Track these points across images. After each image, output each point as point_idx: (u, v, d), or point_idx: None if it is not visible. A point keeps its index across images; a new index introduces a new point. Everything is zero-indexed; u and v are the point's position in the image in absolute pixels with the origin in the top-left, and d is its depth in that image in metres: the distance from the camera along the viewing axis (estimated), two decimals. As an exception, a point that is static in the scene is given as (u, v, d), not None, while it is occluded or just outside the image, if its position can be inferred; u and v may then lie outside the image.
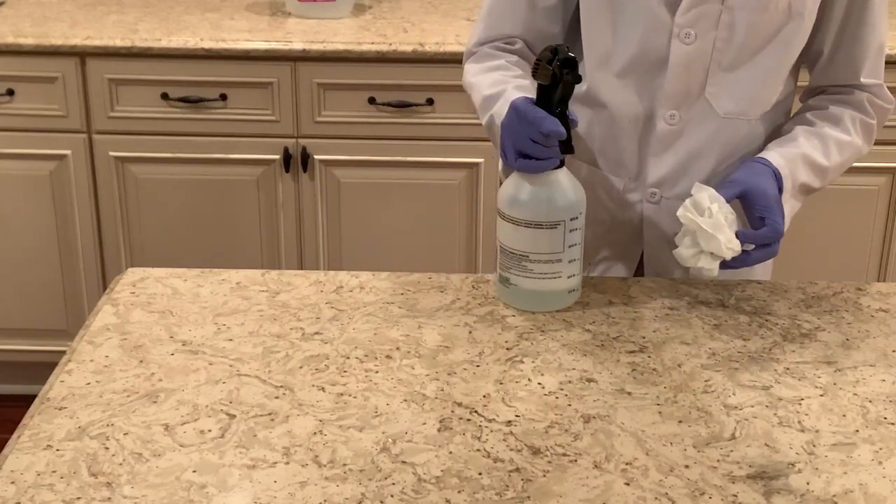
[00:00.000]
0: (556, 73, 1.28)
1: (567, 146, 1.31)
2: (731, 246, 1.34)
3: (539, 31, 1.53)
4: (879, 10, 1.46)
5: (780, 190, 1.42)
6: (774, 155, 1.44)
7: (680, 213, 1.36)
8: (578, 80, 1.29)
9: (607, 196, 1.54)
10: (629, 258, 1.57)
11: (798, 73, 1.54)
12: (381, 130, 2.61)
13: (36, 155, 2.65)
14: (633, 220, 1.54)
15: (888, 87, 1.53)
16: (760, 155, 1.45)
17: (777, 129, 1.53)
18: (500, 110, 1.41)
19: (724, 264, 1.36)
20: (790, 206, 1.45)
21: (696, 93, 1.47)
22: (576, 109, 1.53)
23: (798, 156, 1.45)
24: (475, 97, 1.50)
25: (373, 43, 2.55)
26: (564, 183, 1.34)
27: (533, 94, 1.34)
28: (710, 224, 1.33)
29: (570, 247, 1.35)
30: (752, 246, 1.38)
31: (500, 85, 1.46)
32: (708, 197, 1.36)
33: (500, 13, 1.54)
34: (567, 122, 1.31)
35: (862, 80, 1.49)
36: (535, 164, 1.32)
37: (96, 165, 2.66)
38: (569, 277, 1.38)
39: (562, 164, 1.34)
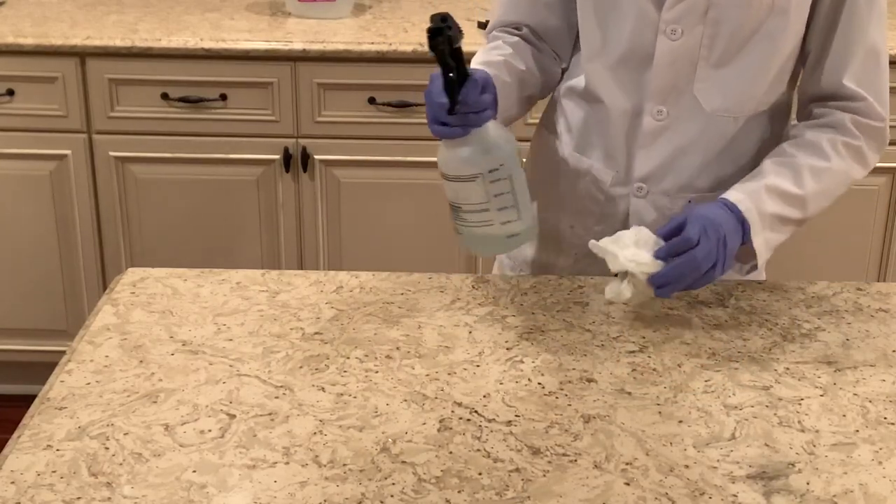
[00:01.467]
0: (432, 46, 1.32)
1: (451, 109, 1.33)
2: (634, 259, 1.32)
3: (540, 22, 1.58)
4: (869, 13, 1.43)
5: (744, 224, 1.39)
6: (732, 191, 1.42)
7: (591, 243, 1.36)
8: (441, 43, 1.32)
9: (596, 188, 1.55)
10: None
11: (796, 78, 1.52)
12: (381, 130, 2.61)
13: (36, 155, 2.65)
14: (620, 214, 1.55)
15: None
16: (721, 196, 1.42)
17: (774, 135, 1.52)
18: None
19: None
20: (764, 238, 1.42)
21: (683, 89, 1.47)
22: (574, 103, 1.55)
23: (761, 188, 1.42)
24: None
25: (373, 43, 2.55)
26: (483, 138, 1.36)
27: (497, 70, 1.46)
28: (611, 242, 1.33)
29: (496, 196, 1.37)
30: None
31: (476, 60, 1.53)
32: (633, 231, 1.36)
33: (507, 3, 1.61)
34: (453, 83, 1.32)
35: (845, 82, 1.44)
36: (449, 131, 1.35)
37: (96, 165, 2.66)
38: (503, 224, 1.39)
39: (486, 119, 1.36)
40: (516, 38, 1.58)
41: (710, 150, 1.49)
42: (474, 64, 1.53)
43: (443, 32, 1.29)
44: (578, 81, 1.55)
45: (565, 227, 1.59)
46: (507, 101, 1.49)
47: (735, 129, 1.48)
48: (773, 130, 1.52)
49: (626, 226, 1.55)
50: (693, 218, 1.36)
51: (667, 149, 1.49)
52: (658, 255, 1.33)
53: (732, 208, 1.40)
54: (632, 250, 1.33)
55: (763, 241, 1.42)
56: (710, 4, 1.41)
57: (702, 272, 1.34)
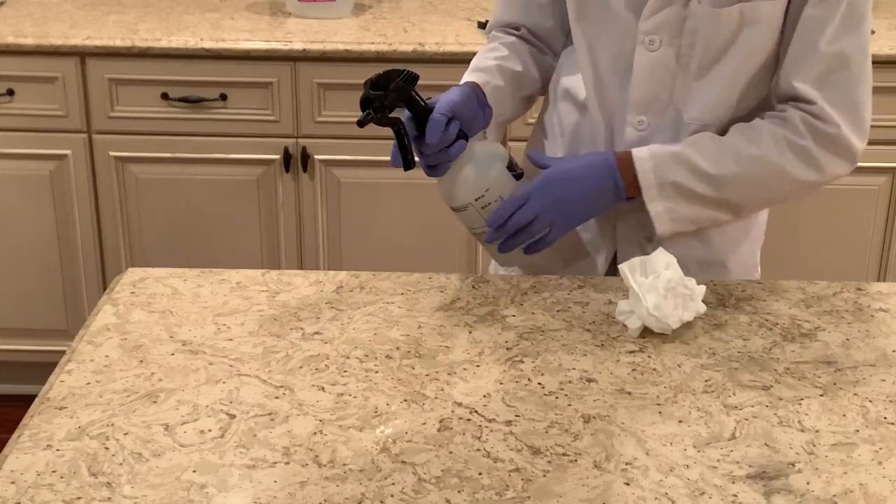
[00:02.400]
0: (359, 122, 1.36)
1: (407, 166, 1.38)
2: (655, 314, 1.30)
3: (535, 23, 1.60)
4: (829, 17, 1.39)
5: (621, 182, 1.43)
6: (643, 147, 1.44)
7: (620, 266, 1.36)
8: (369, 115, 1.35)
9: None
10: (602, 255, 1.58)
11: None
12: (381, 130, 2.60)
13: (36, 155, 2.65)
14: (607, 219, 1.54)
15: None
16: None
17: None
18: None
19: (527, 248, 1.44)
20: (665, 207, 1.43)
21: (664, 100, 1.47)
22: (570, 106, 1.56)
23: (670, 153, 1.43)
24: None
25: (373, 43, 2.55)
26: (462, 170, 1.43)
27: (488, 75, 1.50)
28: (643, 285, 1.32)
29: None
30: None
31: (471, 68, 1.56)
32: (664, 262, 1.35)
33: (503, 3, 1.63)
34: (402, 141, 1.37)
35: (796, 84, 1.41)
36: (428, 172, 1.43)
37: (96, 165, 2.66)
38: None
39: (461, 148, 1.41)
40: (514, 38, 1.59)
41: None
42: (469, 70, 1.55)
43: (370, 102, 1.34)
44: (573, 84, 1.55)
45: None
46: (499, 106, 1.51)
47: None
48: None
49: (612, 231, 1.55)
50: (545, 174, 1.43)
51: None
52: (490, 222, 1.42)
53: (622, 163, 1.43)
54: (655, 298, 1.31)
55: (664, 210, 1.44)
56: (687, 16, 1.41)
57: (531, 235, 1.43)
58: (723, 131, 1.46)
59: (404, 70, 1.36)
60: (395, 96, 1.33)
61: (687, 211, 1.45)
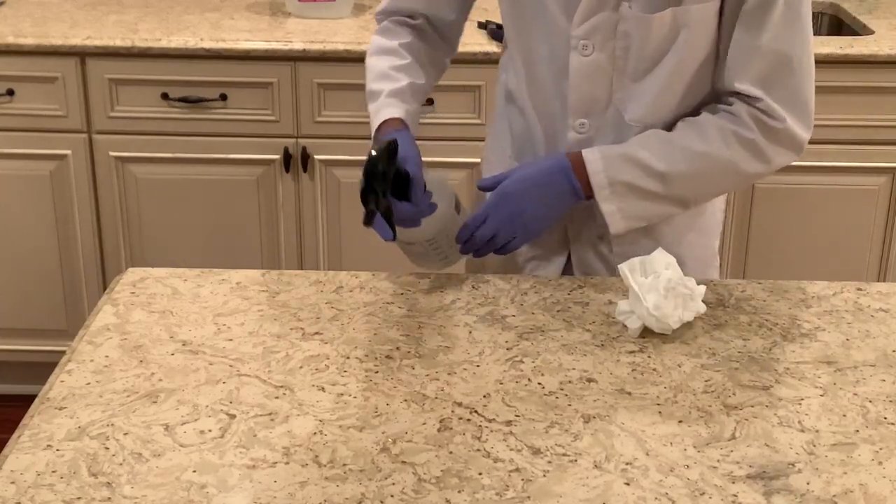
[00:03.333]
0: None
1: (395, 233, 1.39)
2: (655, 314, 1.31)
3: (435, 14, 1.59)
4: (765, 18, 1.38)
5: (580, 184, 1.44)
6: (594, 149, 1.45)
7: (620, 266, 1.36)
8: (375, 215, 1.36)
9: None
10: (556, 258, 1.58)
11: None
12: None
13: (36, 155, 2.65)
14: (557, 222, 1.53)
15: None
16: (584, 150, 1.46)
17: None
18: (375, 113, 1.50)
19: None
20: (618, 206, 1.44)
21: (604, 101, 1.47)
22: (508, 111, 1.57)
23: (620, 153, 1.44)
24: (367, 80, 1.56)
25: (373, 43, 2.55)
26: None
27: (404, 101, 1.50)
28: (643, 285, 1.32)
29: (434, 249, 1.51)
30: None
31: (382, 82, 1.53)
32: (664, 262, 1.35)
33: None
34: (389, 216, 1.38)
35: (738, 85, 1.41)
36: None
37: (96, 165, 2.66)
38: (441, 260, 1.54)
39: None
40: (410, 38, 1.57)
41: None
42: (374, 69, 1.54)
43: (373, 194, 1.35)
44: (518, 87, 1.55)
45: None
46: (414, 125, 1.52)
47: None
48: None
49: (564, 233, 1.55)
50: (500, 188, 1.45)
51: None
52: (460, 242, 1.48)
53: (576, 165, 1.43)
54: (655, 298, 1.31)
55: (617, 210, 1.45)
56: (619, 20, 1.41)
57: (496, 246, 1.47)
58: (667, 130, 1.46)
59: (387, 145, 1.36)
60: (389, 184, 1.36)
61: (638, 208, 1.46)
